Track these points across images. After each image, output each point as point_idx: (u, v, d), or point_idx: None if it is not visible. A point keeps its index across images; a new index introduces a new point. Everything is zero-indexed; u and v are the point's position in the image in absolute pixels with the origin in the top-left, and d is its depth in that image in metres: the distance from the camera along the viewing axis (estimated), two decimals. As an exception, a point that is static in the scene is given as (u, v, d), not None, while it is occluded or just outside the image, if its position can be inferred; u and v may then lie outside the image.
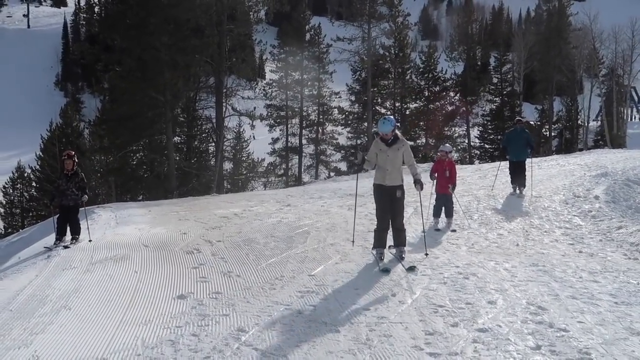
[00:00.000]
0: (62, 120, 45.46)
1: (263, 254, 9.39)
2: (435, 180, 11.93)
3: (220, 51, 33.85)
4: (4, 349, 5.74)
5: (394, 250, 8.95)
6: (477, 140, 50.62)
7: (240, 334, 5.95)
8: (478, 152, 49.88)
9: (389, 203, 8.65)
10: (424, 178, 9.07)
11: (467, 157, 48.13)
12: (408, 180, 8.78)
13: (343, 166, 46.09)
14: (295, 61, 46.59)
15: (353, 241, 9.58)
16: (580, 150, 46.23)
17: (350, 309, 6.67)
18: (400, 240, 8.83)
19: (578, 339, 5.76)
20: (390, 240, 8.95)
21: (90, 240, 10.84)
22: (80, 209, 11.19)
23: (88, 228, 11.40)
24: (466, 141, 49.58)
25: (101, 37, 38.60)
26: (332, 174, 43.84)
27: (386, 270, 8.06)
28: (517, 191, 14.78)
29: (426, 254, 9.04)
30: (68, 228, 10.97)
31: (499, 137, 49.09)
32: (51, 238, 11.06)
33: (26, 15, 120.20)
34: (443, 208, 11.73)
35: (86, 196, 11.16)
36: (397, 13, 43.81)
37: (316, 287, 7.52)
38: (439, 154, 12.33)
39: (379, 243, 8.82)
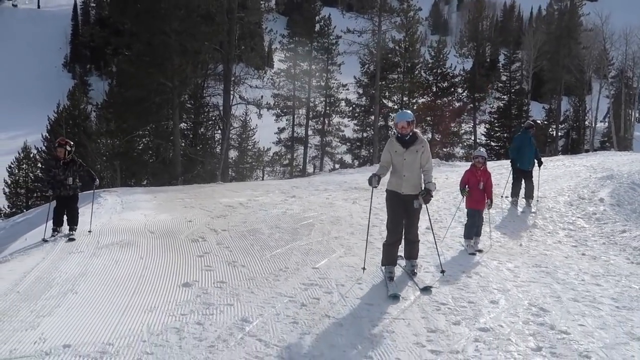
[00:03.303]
0: (70, 102, 45.56)
1: (268, 245, 9.45)
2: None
3: (229, 39, 33.83)
4: (11, 331, 5.82)
5: (403, 263, 7.99)
6: (483, 138, 50.52)
7: (244, 324, 6.02)
8: (484, 150, 49.83)
9: (403, 213, 7.52)
10: (437, 188, 8.18)
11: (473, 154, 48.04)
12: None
13: (348, 158, 46.14)
14: (304, 51, 46.55)
15: (364, 268, 7.88)
16: (587, 151, 46.15)
17: (353, 304, 6.73)
18: (412, 253, 7.81)
19: (579, 341, 5.82)
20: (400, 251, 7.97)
21: (90, 231, 10.27)
22: (87, 192, 10.68)
23: (92, 215, 10.84)
24: (472, 138, 49.49)
25: (111, 20, 38.55)
26: (337, 165, 43.89)
27: (395, 297, 6.92)
28: (521, 207, 13.34)
29: (442, 272, 7.92)
30: (65, 219, 10.39)
31: (505, 135, 49.02)
32: (38, 232, 10.52)
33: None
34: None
35: (97, 180, 10.62)
36: (408, 7, 43.65)
37: (320, 280, 7.57)
38: (472, 160, 10.21)
39: (389, 259, 7.65)
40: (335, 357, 5.38)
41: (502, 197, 13.75)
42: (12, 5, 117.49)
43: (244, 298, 6.84)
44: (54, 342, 5.54)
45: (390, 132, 43.96)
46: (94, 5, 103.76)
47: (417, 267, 7.89)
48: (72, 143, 10.61)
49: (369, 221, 8.28)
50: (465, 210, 10.08)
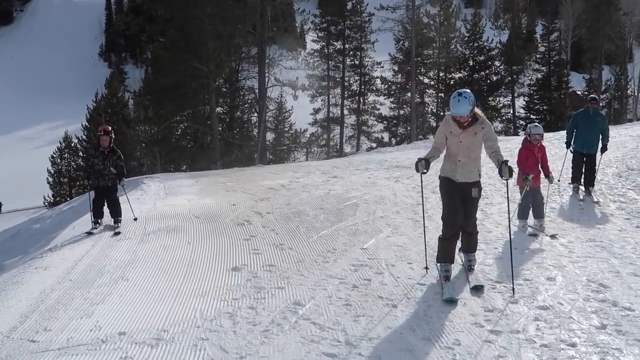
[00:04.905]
0: (107, 90, 46.08)
1: (313, 226, 9.37)
2: (517, 172, 8.82)
3: (262, 21, 33.78)
4: (67, 319, 5.87)
5: (462, 256, 7.21)
6: (522, 111, 49.55)
7: (297, 308, 5.96)
8: (523, 123, 48.83)
9: (460, 202, 6.57)
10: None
11: (512, 127, 47.23)
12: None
13: (385, 137, 45.79)
14: (336, 30, 46.18)
15: (427, 268, 7.07)
16: (630, 121, 44.93)
17: (405, 284, 6.60)
18: (469, 246, 6.99)
19: (645, 318, 5.61)
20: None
21: (135, 219, 10.22)
22: (122, 184, 10.29)
23: (130, 205, 10.61)
24: (511, 112, 48.60)
25: (145, 7, 38.83)
26: (373, 144, 43.59)
27: (452, 301, 6.08)
28: (582, 193, 11.49)
29: (513, 290, 6.39)
30: (106, 211, 10.11)
31: (544, 107, 48.01)
32: (85, 220, 10.48)
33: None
34: (531, 207, 9.22)
35: (125, 180, 10.34)
36: (441, -20, 42.94)
37: (369, 261, 7.46)
38: (528, 137, 9.20)
39: (445, 256, 6.75)
40: (393, 340, 5.28)
41: (558, 181, 11.69)
42: None
43: (295, 281, 6.78)
44: (109, 330, 5.57)
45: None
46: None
47: (475, 261, 7.06)
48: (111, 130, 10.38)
49: (424, 224, 7.47)
50: (518, 188, 9.50)
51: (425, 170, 6.54)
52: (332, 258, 7.65)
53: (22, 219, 27.08)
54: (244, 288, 6.60)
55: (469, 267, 6.96)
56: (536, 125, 9.39)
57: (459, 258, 7.26)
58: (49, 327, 5.68)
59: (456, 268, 6.98)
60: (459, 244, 7.00)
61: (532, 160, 9.09)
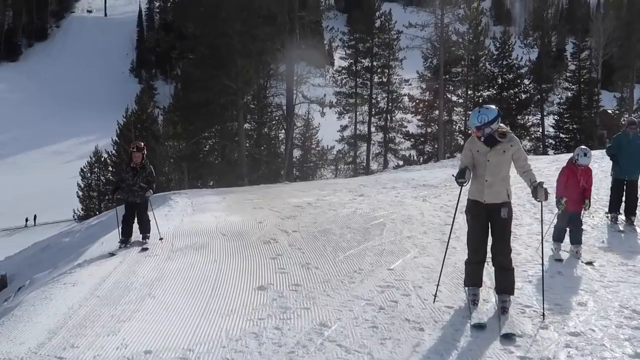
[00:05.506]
0: (138, 106, 46.77)
1: (340, 246, 9.32)
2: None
3: (291, 38, 34.01)
4: (94, 336, 5.89)
5: (495, 296, 6.53)
6: (551, 130, 49.02)
7: (322, 329, 5.90)
8: (553, 142, 48.31)
9: (486, 227, 6.27)
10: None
11: (541, 146, 46.74)
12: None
13: (413, 154, 45.65)
14: (364, 48, 46.32)
15: (435, 295, 6.68)
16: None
17: (432, 307, 6.50)
18: (505, 285, 6.30)
19: (680, 348, 5.44)
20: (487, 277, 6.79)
21: (161, 239, 10.08)
22: (147, 194, 10.17)
23: (157, 224, 10.46)
24: (540, 130, 48.12)
25: (175, 24, 39.45)
26: (400, 162, 43.46)
27: (480, 327, 5.87)
28: (622, 223, 10.54)
29: (543, 315, 6.18)
30: (135, 228, 10.11)
31: (574, 126, 47.44)
32: (113, 236, 10.52)
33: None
34: (568, 230, 8.82)
35: (151, 191, 10.18)
36: (471, -2, 42.94)
37: (396, 282, 7.38)
38: (577, 159, 8.71)
39: (472, 280, 6.46)
40: (420, 364, 5.20)
41: (606, 214, 10.94)
42: (87, 11, 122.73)
43: (320, 301, 6.73)
44: (135, 348, 5.57)
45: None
46: (158, 10, 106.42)
47: (510, 302, 6.32)
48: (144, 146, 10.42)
49: (446, 248, 7.16)
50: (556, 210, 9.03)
51: (466, 182, 6.19)
52: (359, 278, 7.58)
53: (53, 232, 27.50)
54: (270, 308, 6.57)
55: (502, 309, 6.22)
56: (585, 155, 8.73)
57: (487, 280, 7.14)
58: (76, 344, 5.71)
59: (485, 290, 6.85)
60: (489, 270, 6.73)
61: (572, 181, 8.73)
